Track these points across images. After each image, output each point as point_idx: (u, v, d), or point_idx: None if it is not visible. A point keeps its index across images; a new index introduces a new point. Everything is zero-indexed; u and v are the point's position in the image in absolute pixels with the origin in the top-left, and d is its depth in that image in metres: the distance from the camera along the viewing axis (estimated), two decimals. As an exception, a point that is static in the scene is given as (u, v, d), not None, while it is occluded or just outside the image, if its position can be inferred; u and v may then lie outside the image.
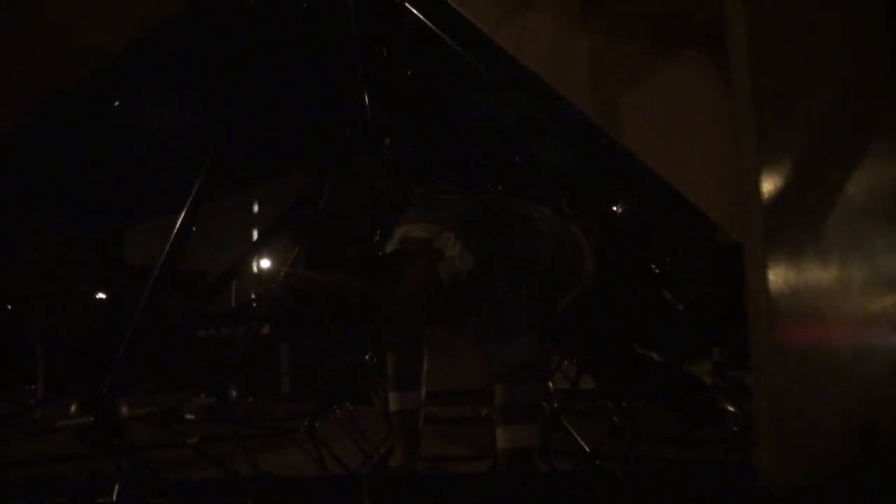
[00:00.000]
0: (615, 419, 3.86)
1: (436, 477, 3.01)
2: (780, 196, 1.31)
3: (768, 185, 1.29)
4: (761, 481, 1.45)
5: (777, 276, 1.24)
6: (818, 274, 1.37)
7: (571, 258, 2.66)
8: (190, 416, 3.79)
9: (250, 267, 23.38)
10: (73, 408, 2.49)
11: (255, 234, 39.19)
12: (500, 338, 2.37)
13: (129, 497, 2.43)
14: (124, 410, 2.59)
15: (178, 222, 3.08)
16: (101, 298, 24.73)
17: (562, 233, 2.68)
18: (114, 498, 2.42)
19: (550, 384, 4.97)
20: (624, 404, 4.47)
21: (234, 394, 4.00)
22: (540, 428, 2.46)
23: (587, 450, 3.45)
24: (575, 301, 2.78)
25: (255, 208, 42.56)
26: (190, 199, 3.10)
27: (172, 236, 3.05)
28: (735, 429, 3.57)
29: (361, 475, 2.94)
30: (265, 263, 22.57)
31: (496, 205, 2.70)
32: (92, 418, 2.47)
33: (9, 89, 2.93)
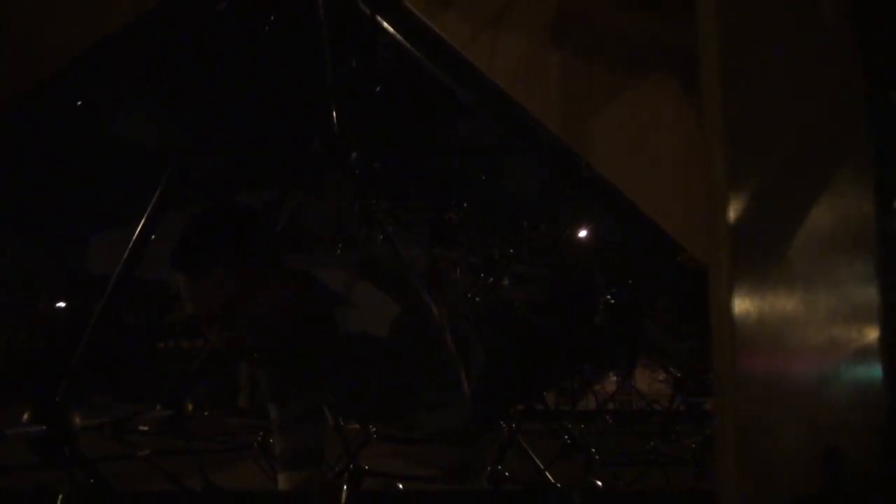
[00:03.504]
0: (567, 439, 3.85)
1: (388, 494, 2.97)
2: (747, 221, 1.29)
3: (736, 210, 1.28)
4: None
5: (742, 302, 1.23)
6: (784, 301, 1.35)
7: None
8: (144, 428, 3.72)
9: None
10: (25, 416, 2.42)
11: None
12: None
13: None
14: (77, 420, 2.52)
15: (136, 232, 3.02)
16: (62, 308, 24.39)
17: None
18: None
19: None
20: (582, 426, 4.44)
21: (190, 406, 3.93)
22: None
23: (541, 466, 3.43)
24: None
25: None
26: (149, 209, 3.04)
27: (129, 246, 2.99)
28: (693, 446, 3.57)
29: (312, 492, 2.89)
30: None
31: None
32: (44, 427, 2.40)
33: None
